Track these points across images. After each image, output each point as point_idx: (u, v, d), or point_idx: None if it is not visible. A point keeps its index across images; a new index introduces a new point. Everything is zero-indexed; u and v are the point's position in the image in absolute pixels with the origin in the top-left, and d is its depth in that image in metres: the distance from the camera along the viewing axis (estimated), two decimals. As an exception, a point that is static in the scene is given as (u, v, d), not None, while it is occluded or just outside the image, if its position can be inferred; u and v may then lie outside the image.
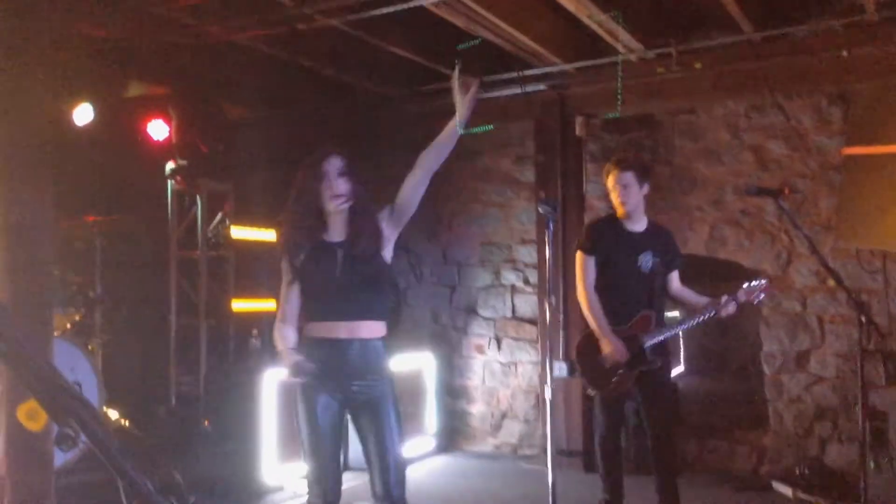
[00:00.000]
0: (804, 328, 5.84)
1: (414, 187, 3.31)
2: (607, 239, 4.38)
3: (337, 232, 3.16)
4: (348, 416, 3.17)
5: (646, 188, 4.35)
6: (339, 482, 3.16)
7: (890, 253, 5.39)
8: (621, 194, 4.30)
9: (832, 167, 5.70)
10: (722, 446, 6.12)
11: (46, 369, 1.11)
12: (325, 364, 2.99)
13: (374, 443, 3.07)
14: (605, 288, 4.34)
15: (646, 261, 4.31)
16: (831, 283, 5.48)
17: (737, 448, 6.07)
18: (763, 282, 4.30)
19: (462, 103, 3.15)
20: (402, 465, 3.11)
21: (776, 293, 5.90)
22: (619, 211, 4.36)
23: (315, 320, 3.10)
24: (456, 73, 3.17)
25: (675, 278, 4.46)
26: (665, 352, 4.38)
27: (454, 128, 3.17)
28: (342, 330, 3.06)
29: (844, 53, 5.18)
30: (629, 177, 4.30)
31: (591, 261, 4.37)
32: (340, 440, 3.20)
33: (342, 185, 3.12)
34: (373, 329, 3.12)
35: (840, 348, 5.71)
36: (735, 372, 6.59)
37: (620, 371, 4.26)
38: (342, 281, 3.06)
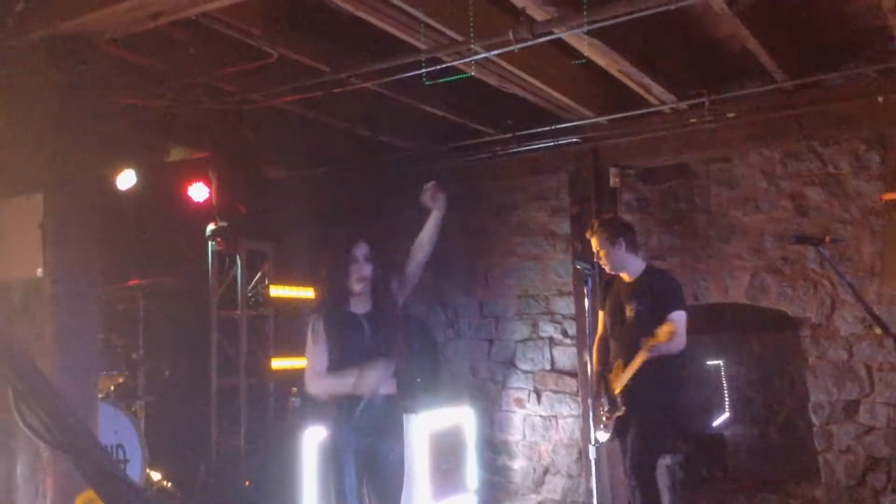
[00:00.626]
0: (852, 377, 5.71)
1: (415, 269, 3.85)
2: (610, 292, 4.77)
3: (362, 305, 3.69)
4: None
5: (620, 244, 4.58)
6: None
7: (937, 298, 5.28)
8: (599, 258, 4.66)
9: (873, 212, 5.62)
10: (772, 500, 5.96)
11: (103, 458, 1.13)
12: (353, 418, 3.49)
13: (382, 490, 3.58)
14: (606, 338, 4.76)
15: (630, 309, 4.56)
16: (878, 330, 5.36)
17: (787, 501, 5.92)
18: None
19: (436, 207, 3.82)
20: None
21: (821, 341, 5.79)
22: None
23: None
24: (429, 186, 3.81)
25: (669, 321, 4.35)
26: (636, 398, 4.50)
27: (437, 219, 3.81)
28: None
29: (880, 99, 5.15)
30: (597, 243, 4.64)
31: (601, 315, 4.81)
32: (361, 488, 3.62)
33: (367, 269, 3.66)
34: (391, 386, 3.63)
35: (890, 397, 5.56)
36: (782, 423, 6.43)
37: (604, 416, 4.64)
38: (370, 348, 3.54)
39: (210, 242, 6.53)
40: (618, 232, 4.64)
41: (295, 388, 6.53)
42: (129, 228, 6.29)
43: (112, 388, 5.61)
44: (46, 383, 1.17)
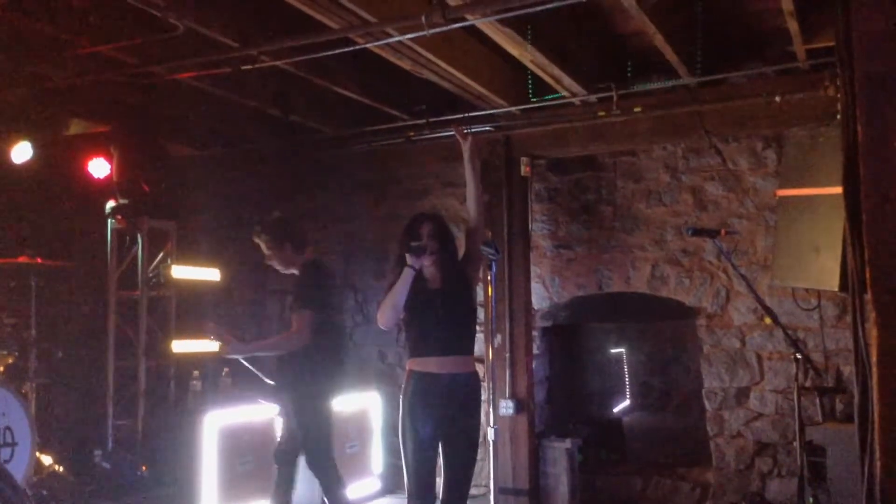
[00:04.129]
0: (744, 365, 5.96)
1: (475, 221, 4.07)
2: None
3: (433, 281, 3.90)
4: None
5: (286, 245, 4.54)
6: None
7: (825, 292, 5.54)
8: (269, 260, 4.66)
9: (768, 208, 5.87)
10: (665, 483, 6.17)
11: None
12: (430, 393, 3.73)
13: (459, 460, 3.80)
14: None
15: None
16: (768, 321, 5.62)
17: (680, 484, 6.13)
18: None
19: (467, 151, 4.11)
20: (470, 481, 3.88)
21: (716, 330, 6.03)
22: None
23: (422, 356, 3.82)
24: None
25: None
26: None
27: (469, 163, 4.08)
28: (448, 364, 3.79)
29: (777, 99, 5.36)
30: (264, 245, 4.60)
31: None
32: (436, 458, 3.80)
33: (433, 245, 3.85)
34: (468, 363, 3.89)
35: (779, 384, 5.83)
36: (678, 408, 6.67)
37: None
38: (444, 321, 3.80)
39: (109, 220, 6.30)
40: (284, 234, 4.58)
41: (197, 372, 6.39)
42: (24, 203, 6.01)
43: (1, 368, 5.36)
44: None
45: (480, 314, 6.72)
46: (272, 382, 4.63)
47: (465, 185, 6.81)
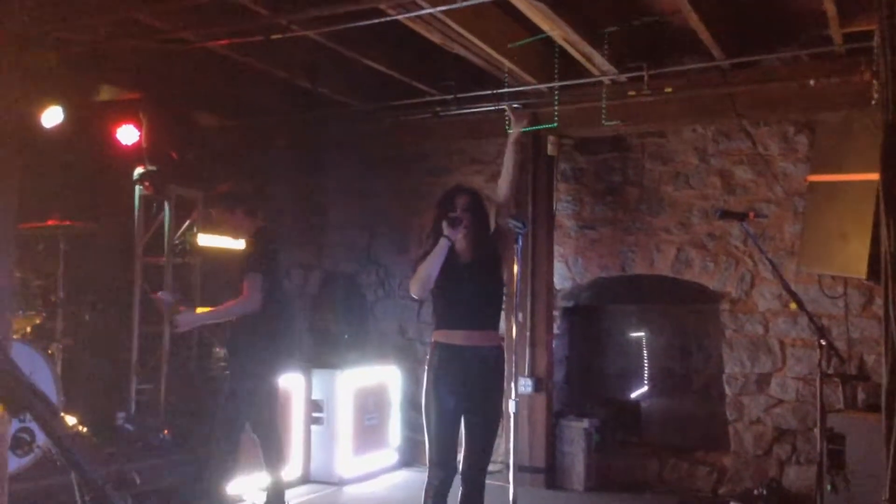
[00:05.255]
0: (766, 351, 5.92)
1: (504, 197, 4.06)
2: None
3: (464, 254, 3.88)
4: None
5: (238, 212, 4.56)
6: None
7: (851, 279, 5.49)
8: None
9: (797, 193, 5.81)
10: (682, 466, 6.17)
11: (5, 363, 1.09)
12: (455, 365, 3.74)
13: (482, 431, 3.80)
14: None
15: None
16: (793, 306, 5.57)
17: (697, 468, 6.13)
18: None
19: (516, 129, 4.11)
20: (491, 451, 3.92)
21: (739, 315, 5.99)
22: None
23: (448, 329, 3.82)
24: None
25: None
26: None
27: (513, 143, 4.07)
28: (474, 338, 3.79)
29: (811, 83, 5.28)
30: (215, 214, 4.70)
31: None
32: (459, 427, 3.81)
33: (468, 218, 3.82)
34: (494, 337, 3.88)
35: (800, 371, 5.80)
36: (697, 393, 6.65)
37: None
38: (470, 295, 3.81)
39: (137, 186, 6.35)
40: (234, 200, 4.59)
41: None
42: (53, 167, 6.05)
43: (28, 328, 5.44)
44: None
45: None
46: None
47: (490, 162, 6.90)
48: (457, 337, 3.79)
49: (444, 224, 3.75)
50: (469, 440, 3.81)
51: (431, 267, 3.75)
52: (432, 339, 3.89)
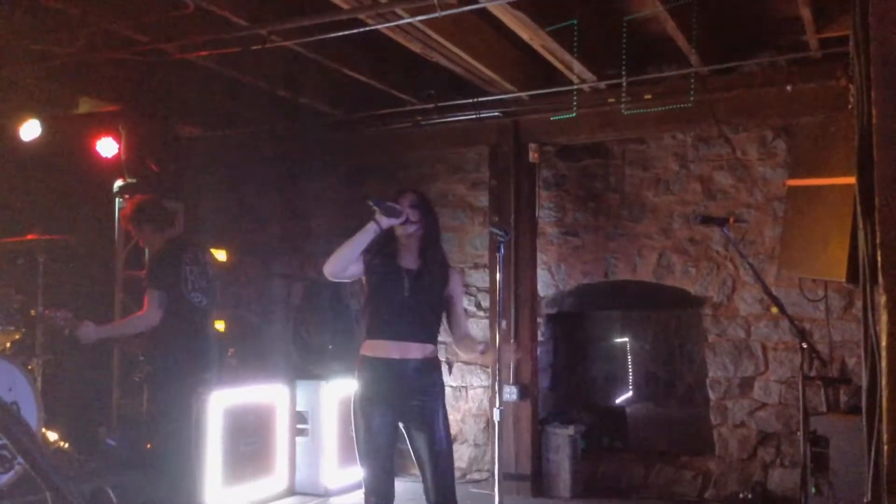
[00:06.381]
0: (748, 355, 5.96)
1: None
2: None
3: (407, 259, 3.58)
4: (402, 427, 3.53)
5: (145, 227, 4.70)
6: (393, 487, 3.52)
7: (831, 283, 5.53)
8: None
9: (776, 198, 5.86)
10: (668, 471, 6.18)
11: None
12: (385, 380, 3.43)
13: (428, 453, 3.46)
14: None
15: None
16: (774, 310, 5.61)
17: (682, 472, 6.14)
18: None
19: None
20: (452, 473, 3.57)
21: (721, 319, 6.02)
22: None
23: (377, 338, 3.49)
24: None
25: None
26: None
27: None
28: (404, 350, 3.47)
29: (788, 88, 5.34)
30: (131, 228, 4.85)
31: None
32: (394, 449, 3.53)
33: (413, 214, 3.54)
34: (428, 350, 3.54)
35: (783, 375, 5.84)
36: (681, 397, 6.68)
37: None
38: (409, 304, 3.48)
39: (117, 199, 6.30)
40: (141, 217, 4.71)
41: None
42: (32, 181, 6.00)
43: (8, 344, 5.37)
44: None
45: (483, 301, 6.76)
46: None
47: (472, 170, 6.91)
48: (385, 349, 3.47)
49: (376, 207, 3.44)
50: (421, 465, 3.51)
51: (352, 248, 3.44)
52: (360, 353, 3.56)
